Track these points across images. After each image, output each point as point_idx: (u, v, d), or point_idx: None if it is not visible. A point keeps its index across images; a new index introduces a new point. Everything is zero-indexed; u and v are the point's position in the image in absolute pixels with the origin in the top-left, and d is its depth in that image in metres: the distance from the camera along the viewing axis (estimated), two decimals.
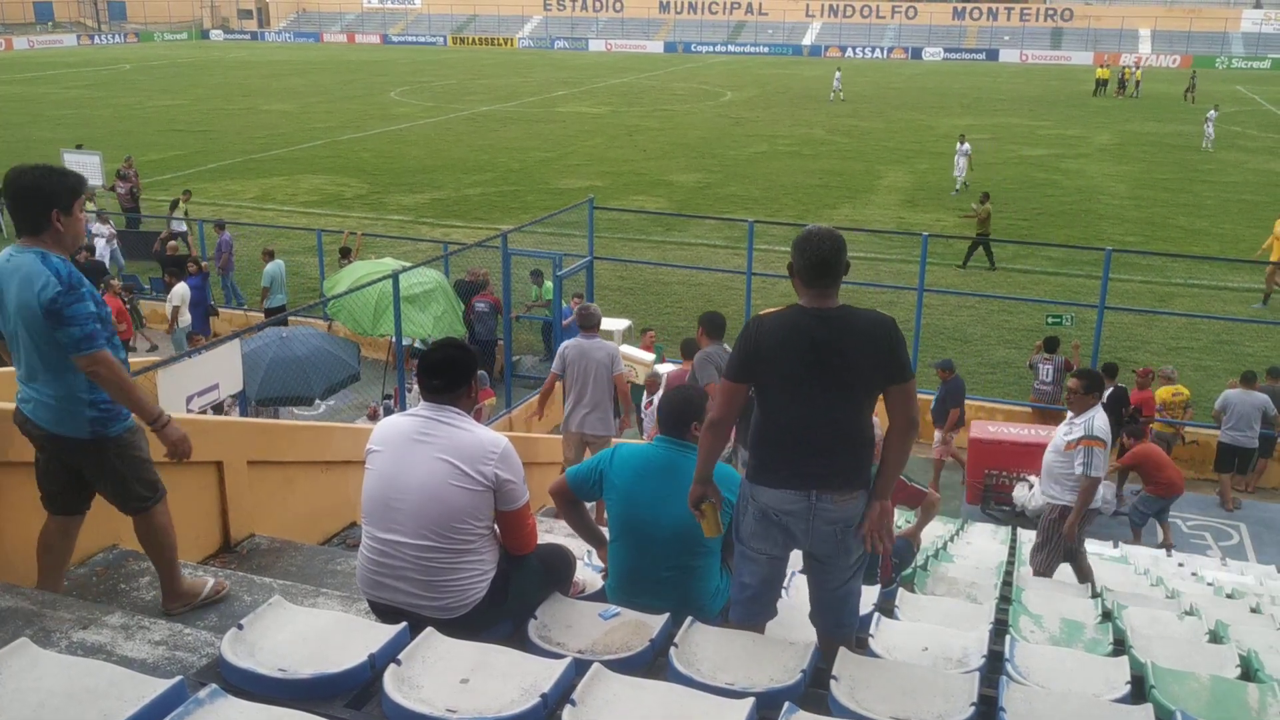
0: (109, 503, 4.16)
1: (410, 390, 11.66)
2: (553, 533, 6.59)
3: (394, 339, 12.10)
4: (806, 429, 3.71)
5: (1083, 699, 3.58)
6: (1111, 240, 22.37)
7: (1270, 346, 16.34)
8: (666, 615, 3.82)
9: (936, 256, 20.75)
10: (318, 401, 12.41)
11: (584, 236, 15.46)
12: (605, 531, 4.50)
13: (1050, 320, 14.69)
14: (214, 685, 2.71)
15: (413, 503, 3.65)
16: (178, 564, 4.31)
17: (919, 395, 4.12)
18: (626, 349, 13.50)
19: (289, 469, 6.13)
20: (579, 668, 3.12)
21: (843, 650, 3.59)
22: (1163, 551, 10.49)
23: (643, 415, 11.98)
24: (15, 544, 4.43)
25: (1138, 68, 57.46)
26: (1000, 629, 4.95)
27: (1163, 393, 13.02)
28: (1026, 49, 77.28)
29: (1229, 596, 7.25)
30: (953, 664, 4.08)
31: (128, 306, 15.42)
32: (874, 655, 3.96)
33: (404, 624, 3.38)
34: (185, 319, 15.05)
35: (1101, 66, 57.58)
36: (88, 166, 21.00)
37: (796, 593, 4.22)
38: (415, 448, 3.70)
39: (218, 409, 9.07)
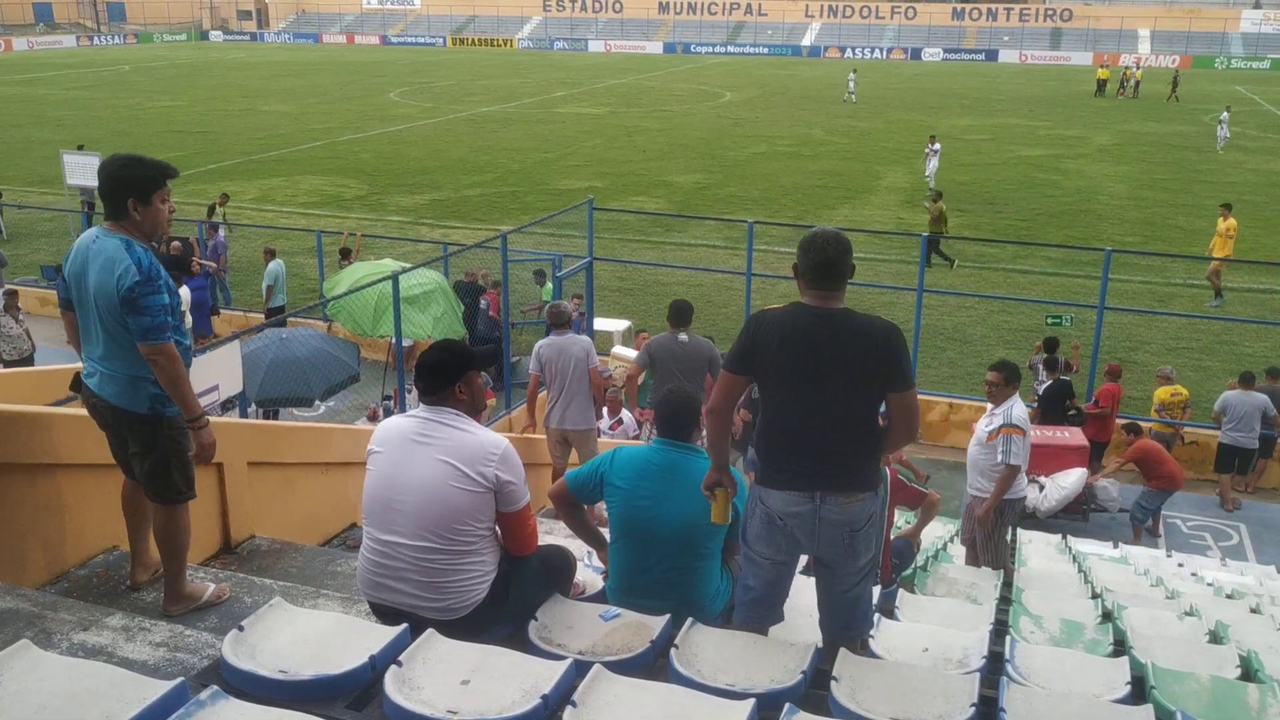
0: (143, 487, 4.21)
1: (410, 391, 11.66)
2: (553, 534, 6.59)
3: (394, 340, 12.10)
4: (807, 429, 3.71)
5: (1083, 699, 3.58)
6: (1111, 241, 22.38)
7: (1269, 347, 16.35)
8: (667, 616, 3.83)
9: (937, 257, 20.77)
10: (317, 402, 12.41)
11: (583, 237, 15.45)
12: (605, 533, 4.51)
13: (1050, 321, 14.69)
14: (215, 687, 2.72)
15: (413, 504, 3.65)
16: (185, 567, 4.34)
17: (923, 397, 4.13)
18: (622, 350, 13.50)
19: (289, 470, 6.13)
20: (580, 669, 3.12)
21: (843, 651, 3.60)
22: (1162, 552, 10.50)
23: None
24: (16, 546, 4.43)
25: (1137, 68, 57.46)
26: (1000, 630, 4.96)
27: (1161, 393, 13.03)
28: (1026, 49, 77.32)
29: (1229, 597, 7.26)
30: (953, 665, 4.08)
31: None
32: (874, 656, 3.96)
33: (405, 625, 3.38)
34: (187, 320, 15.05)
35: (1102, 67, 57.61)
36: (88, 168, 21.01)
37: (798, 594, 4.21)
38: (415, 449, 3.70)
39: (225, 407, 9.08)
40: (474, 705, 2.95)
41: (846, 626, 3.97)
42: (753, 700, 2.97)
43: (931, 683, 3.45)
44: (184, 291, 15.15)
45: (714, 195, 27.96)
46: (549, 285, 15.77)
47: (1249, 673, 4.47)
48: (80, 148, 23.00)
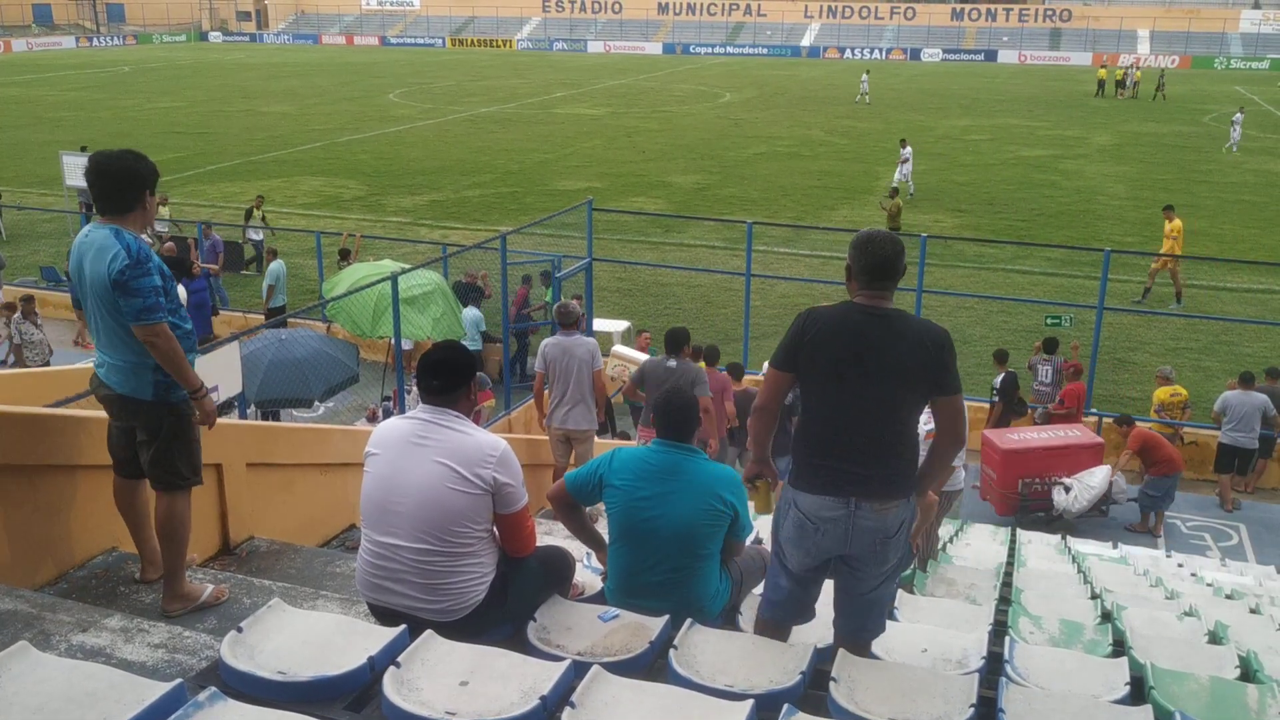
0: (148, 475, 4.27)
1: (410, 392, 11.67)
2: (552, 535, 6.59)
3: (393, 341, 12.10)
4: (848, 432, 3.69)
5: (1082, 700, 3.58)
6: (1110, 241, 22.38)
7: (1268, 347, 16.35)
8: (666, 617, 3.82)
9: (935, 257, 20.74)
10: (317, 403, 12.41)
11: (583, 238, 15.46)
12: (604, 534, 4.51)
13: (1049, 321, 14.70)
14: (213, 688, 2.71)
15: (411, 506, 3.65)
16: (184, 562, 4.35)
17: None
18: (622, 349, 13.50)
19: (288, 471, 6.13)
20: (578, 670, 3.12)
21: (841, 652, 3.59)
22: (1162, 552, 10.50)
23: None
24: (15, 547, 4.43)
25: (1137, 68, 57.49)
26: (1000, 630, 4.95)
27: (1161, 393, 13.03)
28: (1025, 49, 77.34)
29: (1228, 597, 7.25)
30: (952, 665, 4.08)
31: None
32: (874, 657, 3.96)
33: (403, 626, 3.38)
34: None
35: (1102, 67, 57.63)
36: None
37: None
38: (413, 451, 3.70)
39: (224, 409, 9.07)
40: (473, 706, 2.95)
41: (862, 628, 3.96)
42: (751, 701, 2.97)
43: (930, 683, 3.44)
44: (180, 291, 15.15)
45: (713, 196, 27.97)
46: (542, 286, 15.80)
47: (1248, 673, 4.47)
48: (83, 149, 22.98)
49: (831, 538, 3.75)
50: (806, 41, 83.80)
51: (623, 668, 3.36)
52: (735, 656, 3.57)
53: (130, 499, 4.42)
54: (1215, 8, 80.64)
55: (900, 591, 5.38)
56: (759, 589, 4.59)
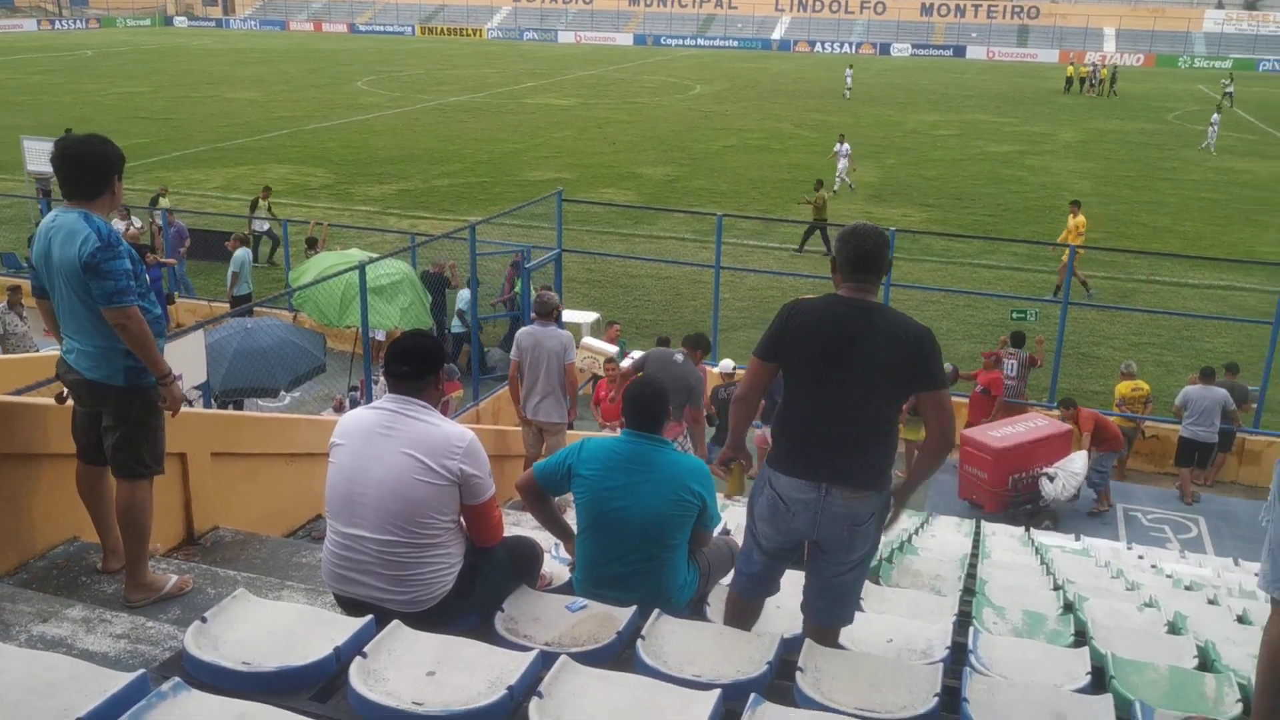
0: (110, 462, 4.24)
1: (377, 382, 11.60)
2: (520, 525, 6.58)
3: (360, 330, 12.02)
4: (826, 420, 3.75)
5: (1044, 689, 3.62)
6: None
7: (1229, 342, 16.58)
8: (634, 608, 3.83)
9: (903, 252, 20.91)
10: (283, 393, 12.31)
11: (552, 229, 15.41)
12: (573, 524, 4.50)
13: (1015, 315, 14.83)
14: (177, 678, 2.68)
15: (376, 497, 3.62)
16: (147, 551, 4.31)
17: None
18: (591, 341, 13.47)
19: (253, 461, 6.08)
20: (546, 660, 3.11)
21: (808, 643, 3.61)
22: (1123, 544, 10.64)
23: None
24: None
25: (1103, 65, 58.03)
26: (964, 621, 5.00)
27: (1123, 388, 13.18)
28: (993, 46, 77.87)
29: (1187, 588, 7.35)
30: (917, 655, 4.12)
31: None
32: (840, 647, 3.99)
33: (370, 617, 3.35)
34: None
35: (1070, 64, 58.11)
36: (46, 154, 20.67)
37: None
38: (379, 441, 3.67)
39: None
40: (439, 697, 2.94)
41: (830, 613, 3.99)
42: (718, 691, 2.98)
43: (895, 673, 3.47)
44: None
45: (683, 188, 27.98)
46: (518, 277, 15.74)
47: (1206, 663, 4.54)
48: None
49: (801, 519, 3.81)
50: (777, 35, 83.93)
51: (590, 658, 3.36)
52: (703, 647, 3.57)
53: (93, 486, 4.39)
54: (1180, 7, 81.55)
55: (866, 583, 5.41)
56: (727, 579, 4.62)
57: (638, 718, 2.84)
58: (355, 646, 3.15)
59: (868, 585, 5.33)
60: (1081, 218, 19.28)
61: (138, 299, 4.01)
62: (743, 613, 4.17)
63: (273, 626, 3.30)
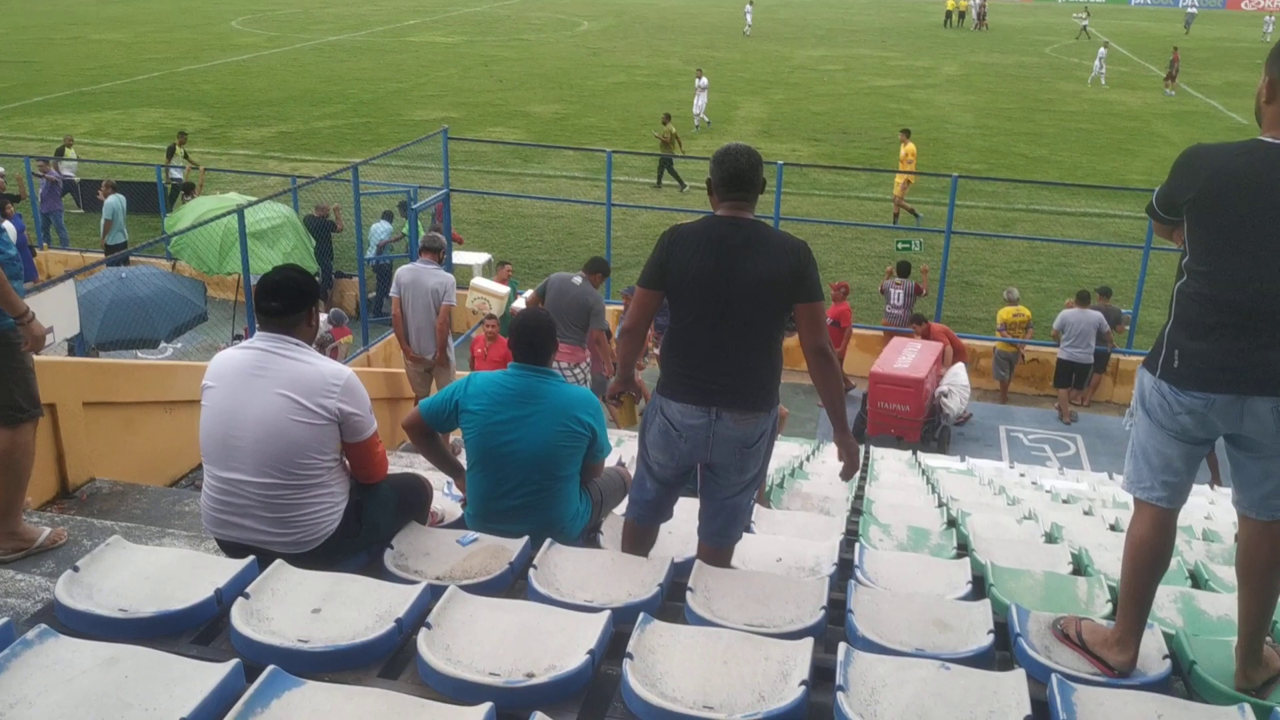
0: None
1: None
2: (414, 467, 6.51)
3: (242, 276, 11.67)
4: (714, 343, 3.75)
5: (926, 598, 3.74)
6: (958, 168, 23.01)
7: (1104, 268, 17.18)
8: (525, 539, 3.82)
9: (792, 186, 21.06)
10: (163, 344, 11.91)
11: (439, 169, 15.12)
12: (463, 460, 4.46)
13: (900, 246, 15.12)
14: (43, 625, 2.58)
15: (252, 439, 3.51)
16: (23, 500, 4.15)
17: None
18: (482, 282, 13.32)
19: (130, 410, 5.87)
20: (435, 592, 3.09)
21: (698, 563, 3.66)
22: (1005, 463, 11.03)
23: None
24: None
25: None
26: (851, 539, 5.12)
27: (1004, 313, 13.58)
28: None
29: (1065, 502, 7.66)
30: (805, 572, 4.21)
31: None
32: (732, 568, 4.05)
33: (252, 558, 3.27)
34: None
35: None
36: None
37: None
38: (252, 382, 3.54)
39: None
40: (325, 633, 2.89)
41: (722, 531, 4.04)
42: (608, 613, 3.00)
43: (783, 589, 3.54)
44: (9, 227, 14.26)
45: (573, 126, 27.68)
46: (399, 220, 15.43)
47: (1080, 568, 4.74)
48: None
49: (693, 444, 3.84)
50: None
51: (481, 589, 3.35)
52: (594, 573, 3.59)
53: None
54: None
55: (757, 506, 5.51)
56: (620, 509, 4.64)
57: (526, 642, 2.84)
58: (238, 588, 3.08)
59: (759, 509, 5.43)
60: (911, 145, 19.77)
61: None
62: (638, 539, 4.21)
63: (151, 573, 3.20)
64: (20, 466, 4.11)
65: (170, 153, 19.53)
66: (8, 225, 14.32)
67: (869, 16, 58.82)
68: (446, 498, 4.94)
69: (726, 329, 3.74)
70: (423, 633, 2.81)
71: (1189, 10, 58.45)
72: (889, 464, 9.40)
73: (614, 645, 2.92)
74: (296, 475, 3.53)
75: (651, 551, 4.19)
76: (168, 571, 3.21)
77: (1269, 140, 2.91)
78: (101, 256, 15.11)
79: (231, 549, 3.67)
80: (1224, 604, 3.85)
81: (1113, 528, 6.20)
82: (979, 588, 4.13)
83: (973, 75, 38.28)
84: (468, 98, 31.24)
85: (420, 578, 3.52)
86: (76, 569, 3.13)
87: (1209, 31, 55.93)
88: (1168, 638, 3.35)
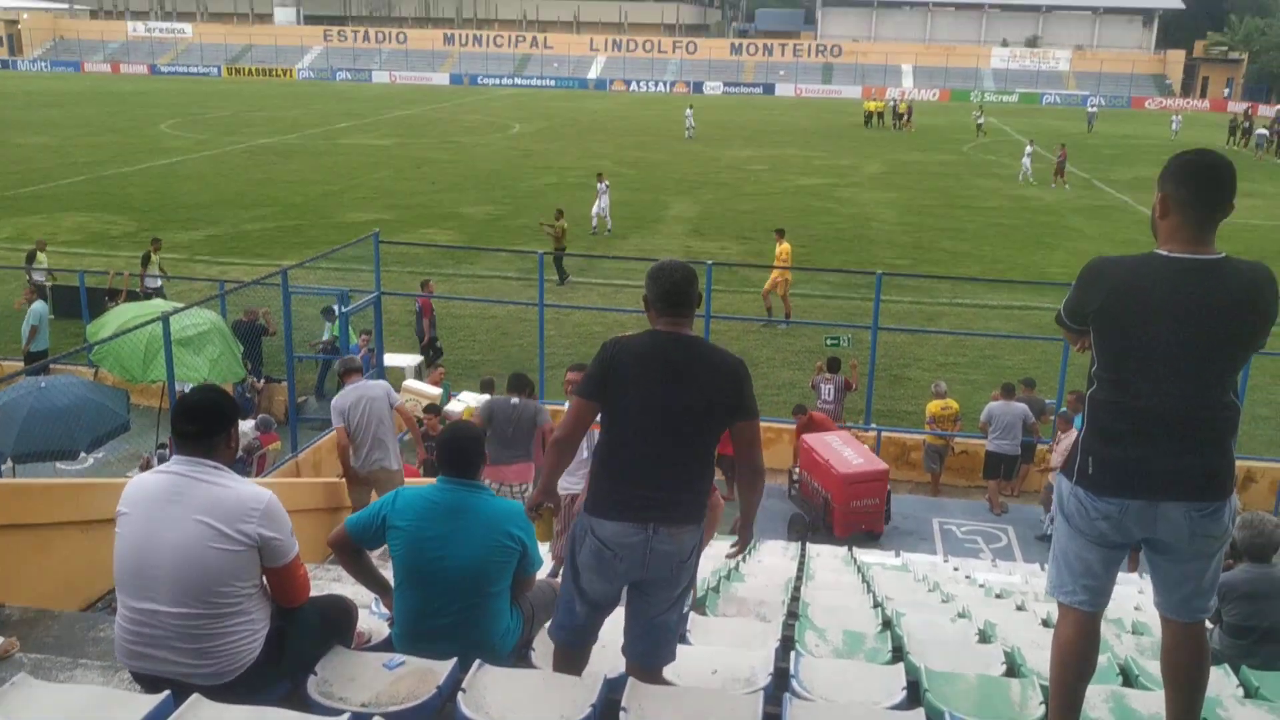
0: None
1: None
2: (342, 581, 6.35)
3: (166, 385, 11.45)
4: (652, 457, 3.74)
5: (863, 708, 3.72)
6: (883, 264, 23.59)
7: (1028, 359, 17.58)
8: (454, 660, 3.73)
9: (722, 284, 21.34)
10: (84, 455, 11.58)
11: (371, 271, 15.09)
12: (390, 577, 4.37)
13: (829, 341, 15.34)
14: None
15: (168, 569, 3.40)
16: None
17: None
18: (414, 384, 13.24)
19: (43, 531, 5.68)
20: None
21: (631, 681, 3.60)
22: (940, 557, 11.10)
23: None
24: None
25: (902, 100, 61.15)
26: (787, 645, 5.08)
27: (933, 407, 13.80)
28: (800, 83, 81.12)
29: (998, 597, 7.71)
30: (741, 684, 4.16)
31: None
32: (665, 682, 3.99)
33: (167, 693, 3.15)
34: None
35: (870, 100, 60.96)
36: None
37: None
38: (168, 508, 3.45)
39: None
40: None
41: (653, 653, 3.97)
42: None
43: (717, 705, 3.50)
44: None
45: (506, 226, 27.91)
46: (332, 323, 15.35)
47: (1013, 668, 4.75)
48: None
49: (629, 563, 3.78)
50: (593, 74, 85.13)
51: (408, 716, 3.26)
52: (525, 695, 3.52)
53: None
54: (969, 45, 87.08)
55: (692, 614, 5.45)
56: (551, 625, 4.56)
57: None
58: None
59: (694, 616, 5.38)
60: (786, 245, 20.30)
61: None
62: (569, 660, 4.10)
63: (58, 714, 3.07)
64: None
65: (145, 260, 19.09)
66: None
67: (793, 118, 60.62)
68: (374, 616, 4.82)
69: (665, 446, 3.74)
70: None
71: (1090, 110, 61.25)
72: (825, 561, 9.40)
73: None
74: (215, 604, 3.42)
75: (589, 669, 4.11)
76: (77, 712, 3.08)
77: (1164, 254, 3.03)
78: (21, 365, 14.76)
79: (147, 682, 3.53)
80: (1154, 702, 3.87)
81: (1045, 623, 6.24)
82: (914, 693, 4.11)
83: (894, 173, 39.47)
84: (400, 199, 31.41)
85: (345, 705, 3.42)
86: None
87: (1116, 129, 58.58)
88: None
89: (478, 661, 3.65)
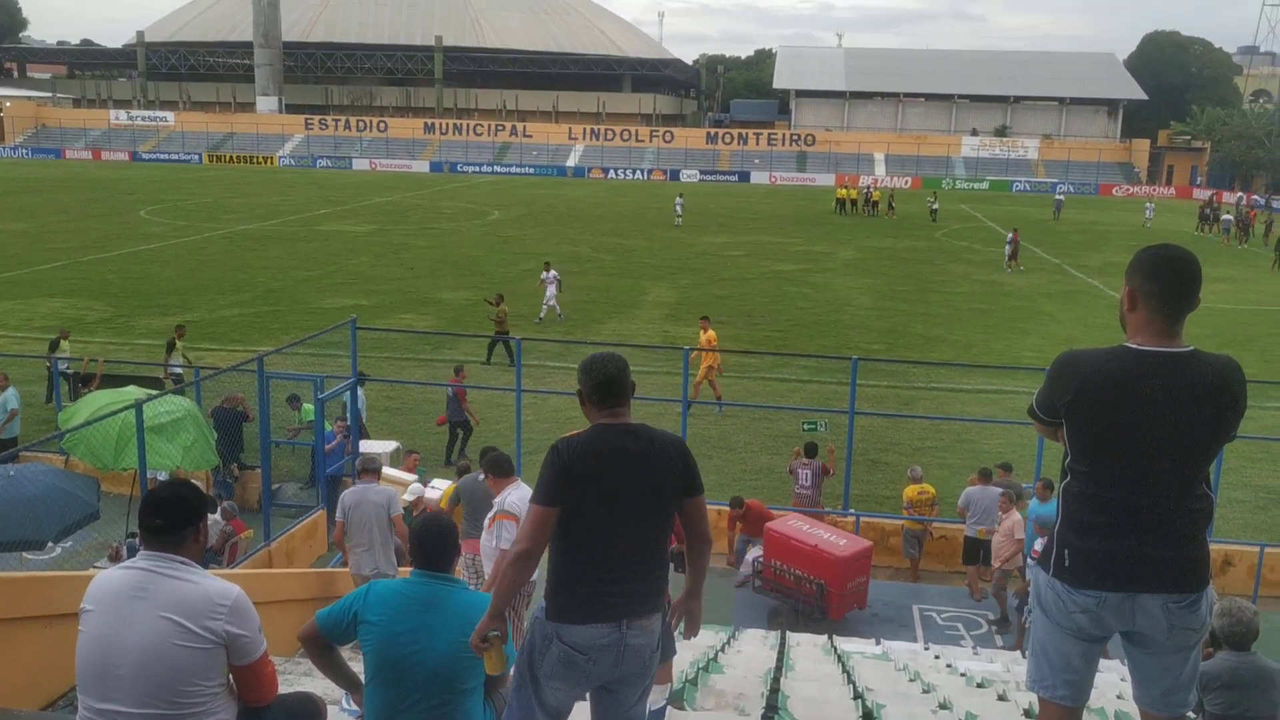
0: None
1: None
2: (312, 675, 6.22)
3: (138, 473, 11.32)
4: (618, 554, 3.70)
5: None
6: (858, 349, 23.73)
7: (1004, 443, 17.64)
8: None
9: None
10: (51, 544, 11.37)
11: (348, 357, 15.07)
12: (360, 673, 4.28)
13: (806, 427, 15.34)
14: None
15: (132, 668, 3.32)
16: None
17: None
18: (390, 471, 13.15)
19: (5, 625, 5.55)
20: None
21: None
22: (920, 645, 10.98)
23: None
24: None
25: (875, 188, 62.25)
26: None
27: (910, 492, 13.79)
28: (775, 171, 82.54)
29: (979, 686, 7.62)
30: None
31: None
32: None
33: None
34: None
35: (842, 187, 62.00)
36: None
37: None
38: (133, 605, 3.38)
39: None
40: None
41: None
42: None
43: None
44: None
45: (483, 312, 27.91)
46: (307, 407, 15.27)
47: None
48: None
49: (603, 664, 3.72)
50: (571, 162, 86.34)
51: None
52: None
53: None
54: (940, 134, 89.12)
55: (670, 708, 5.36)
56: None
57: None
58: None
59: (672, 711, 5.29)
60: (712, 333, 20.47)
61: None
62: None
63: None
64: None
65: (170, 347, 18.85)
66: None
67: (767, 205, 61.54)
68: (344, 714, 4.71)
69: (629, 537, 3.72)
70: None
71: (1057, 198, 62.55)
72: (805, 650, 9.29)
73: None
74: (180, 704, 3.33)
75: None
76: None
77: (1133, 347, 3.07)
78: None
79: None
80: None
81: (1027, 713, 6.16)
82: None
83: (868, 259, 40.00)
84: (378, 285, 31.52)
85: None
86: None
87: (1085, 216, 59.72)
88: None
89: None
